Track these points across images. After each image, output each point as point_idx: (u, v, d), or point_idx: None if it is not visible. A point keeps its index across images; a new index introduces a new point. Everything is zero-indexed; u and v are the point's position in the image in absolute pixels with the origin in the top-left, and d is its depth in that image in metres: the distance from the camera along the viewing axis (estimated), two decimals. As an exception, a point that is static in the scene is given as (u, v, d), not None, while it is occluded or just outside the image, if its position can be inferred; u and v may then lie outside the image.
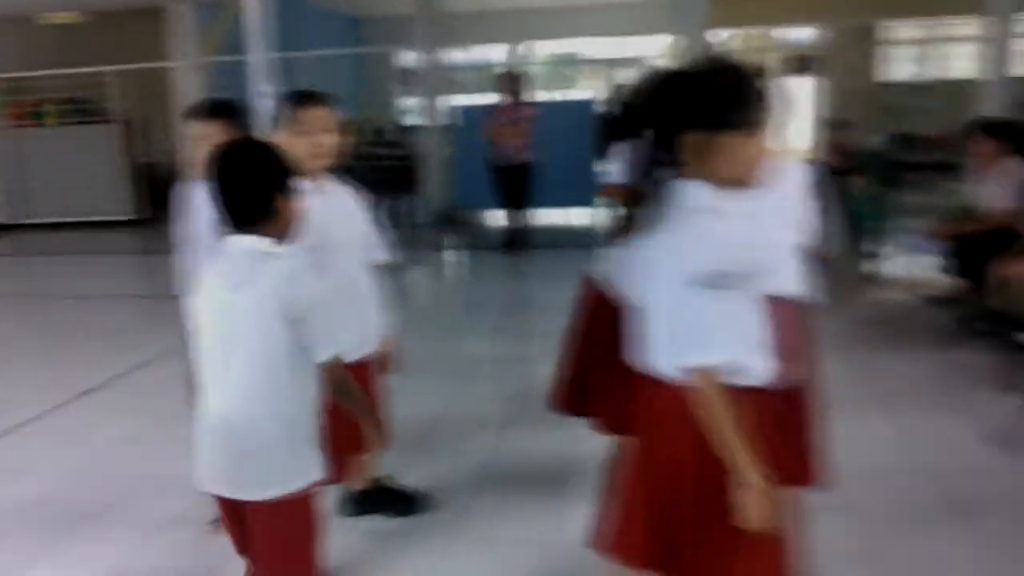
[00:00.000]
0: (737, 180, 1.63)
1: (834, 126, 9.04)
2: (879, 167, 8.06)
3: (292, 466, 1.85)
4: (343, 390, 1.93)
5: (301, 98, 2.55)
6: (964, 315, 4.87)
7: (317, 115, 2.53)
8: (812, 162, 8.56)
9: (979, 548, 2.70)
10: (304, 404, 1.86)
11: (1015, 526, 2.83)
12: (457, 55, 12.13)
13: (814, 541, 2.56)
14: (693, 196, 1.63)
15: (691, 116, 1.60)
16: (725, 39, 11.82)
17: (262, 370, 1.78)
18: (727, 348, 1.58)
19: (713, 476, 1.62)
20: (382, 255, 2.80)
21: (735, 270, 1.56)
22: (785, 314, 1.81)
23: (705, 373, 1.59)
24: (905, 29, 11.06)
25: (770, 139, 1.62)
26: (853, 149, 8.48)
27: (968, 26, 9.01)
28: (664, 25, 9.16)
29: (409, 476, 3.16)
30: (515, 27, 12.12)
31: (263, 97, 7.48)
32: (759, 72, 1.59)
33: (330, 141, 2.54)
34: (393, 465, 3.07)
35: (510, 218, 8.34)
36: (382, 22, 11.93)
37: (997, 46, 8.46)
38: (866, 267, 6.43)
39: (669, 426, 1.69)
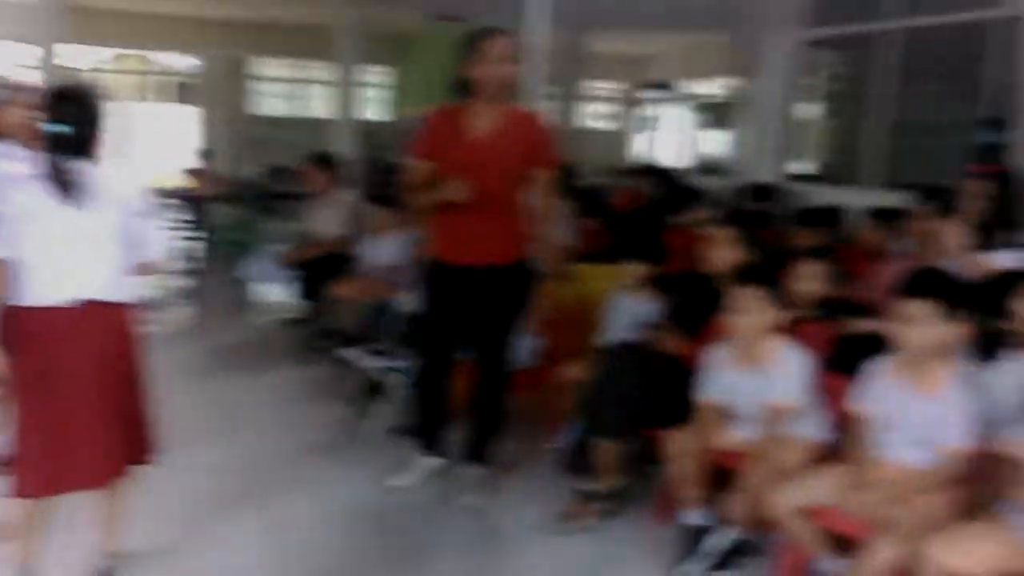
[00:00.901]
0: None
1: (202, 155, 9.13)
2: (250, 196, 8.35)
3: None
4: None
5: None
6: (307, 334, 5.28)
7: None
8: (179, 189, 8.50)
9: (287, 555, 2.89)
10: None
11: (330, 531, 3.10)
12: None
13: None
14: None
15: None
16: (97, 57, 11.01)
17: None
18: None
19: None
20: None
21: None
22: None
23: None
24: (273, 67, 11.75)
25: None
26: (222, 178, 8.65)
27: (323, 70, 9.98)
28: (16, 33, 8.10)
29: None
30: None
31: None
32: None
33: None
34: None
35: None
36: None
37: (344, 90, 9.56)
38: (235, 293, 6.55)
39: None
